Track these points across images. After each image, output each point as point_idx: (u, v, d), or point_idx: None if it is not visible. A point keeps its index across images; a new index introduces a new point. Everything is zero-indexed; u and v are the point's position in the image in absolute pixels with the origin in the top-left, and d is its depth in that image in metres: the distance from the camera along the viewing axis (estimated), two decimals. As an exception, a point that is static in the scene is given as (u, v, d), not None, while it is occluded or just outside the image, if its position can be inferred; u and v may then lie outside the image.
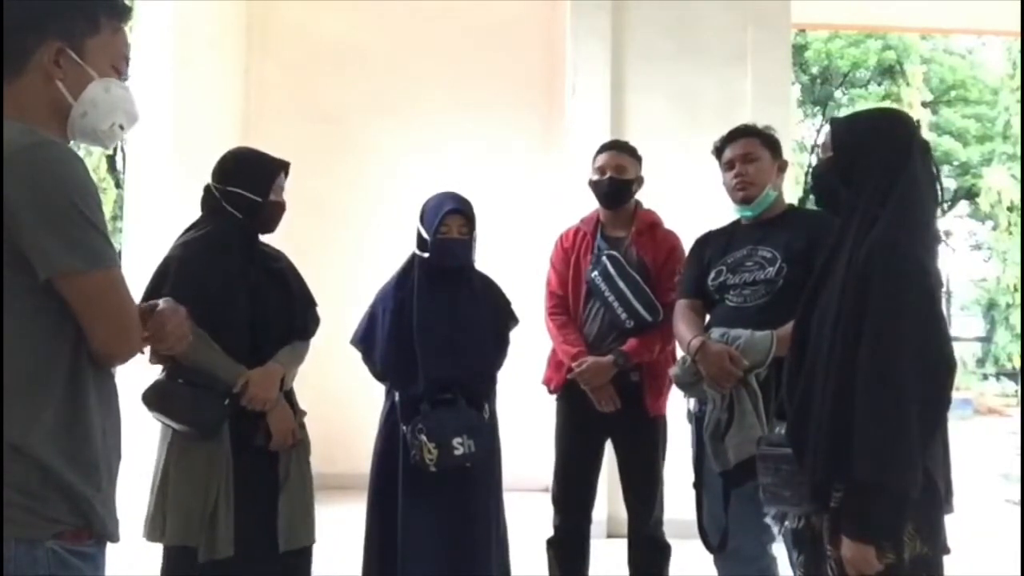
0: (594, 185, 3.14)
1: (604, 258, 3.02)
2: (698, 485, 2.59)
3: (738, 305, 2.52)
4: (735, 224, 2.70)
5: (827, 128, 2.03)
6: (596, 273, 3.01)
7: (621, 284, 2.97)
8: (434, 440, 2.56)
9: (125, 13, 1.52)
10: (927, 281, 1.76)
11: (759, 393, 2.37)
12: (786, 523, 1.96)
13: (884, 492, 1.68)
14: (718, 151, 2.69)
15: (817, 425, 1.79)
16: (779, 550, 2.51)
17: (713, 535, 2.54)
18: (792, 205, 2.78)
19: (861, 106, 17.85)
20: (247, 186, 2.45)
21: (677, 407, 3.03)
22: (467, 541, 2.68)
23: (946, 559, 1.83)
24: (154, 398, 2.29)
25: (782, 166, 2.69)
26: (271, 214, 2.51)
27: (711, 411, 2.47)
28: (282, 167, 2.54)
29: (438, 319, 2.71)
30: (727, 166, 2.65)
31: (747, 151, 2.61)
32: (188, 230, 2.49)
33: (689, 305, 2.68)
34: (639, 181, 3.15)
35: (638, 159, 3.17)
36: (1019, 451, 8.03)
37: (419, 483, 2.62)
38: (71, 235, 1.31)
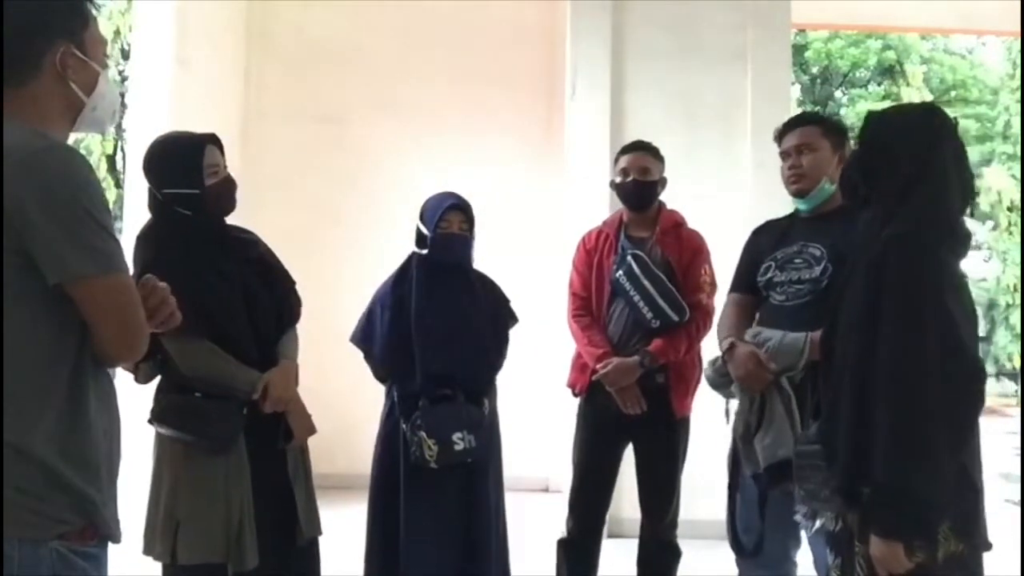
0: (618, 187, 3.12)
1: (629, 257, 2.99)
2: (732, 487, 2.53)
3: (780, 304, 2.44)
4: (793, 215, 2.61)
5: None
6: (621, 272, 2.99)
7: (647, 283, 2.94)
8: (434, 436, 2.56)
9: None
10: (943, 278, 1.73)
11: (792, 395, 2.30)
12: (818, 522, 1.94)
13: (908, 494, 1.66)
14: (779, 137, 2.58)
15: (844, 426, 1.78)
16: (801, 557, 2.48)
17: (749, 539, 2.48)
18: None
19: (861, 106, 17.87)
20: (179, 182, 2.25)
21: (702, 408, 3.02)
22: (469, 538, 2.67)
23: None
24: (172, 415, 2.20)
25: (842, 157, 2.51)
26: (218, 197, 2.30)
27: (739, 413, 2.42)
28: (205, 142, 2.30)
29: (436, 315, 2.70)
30: (783, 155, 2.55)
31: (803, 141, 2.49)
32: (146, 238, 2.30)
33: (737, 301, 2.60)
34: (663, 182, 3.13)
35: (661, 159, 3.13)
36: (1019, 451, 8.03)
37: (421, 480, 2.62)
38: (83, 239, 1.31)
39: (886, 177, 1.85)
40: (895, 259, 1.74)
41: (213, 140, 2.34)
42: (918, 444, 1.66)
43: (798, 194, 2.52)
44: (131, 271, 2.15)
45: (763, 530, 2.41)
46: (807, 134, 2.51)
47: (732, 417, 2.53)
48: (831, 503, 1.86)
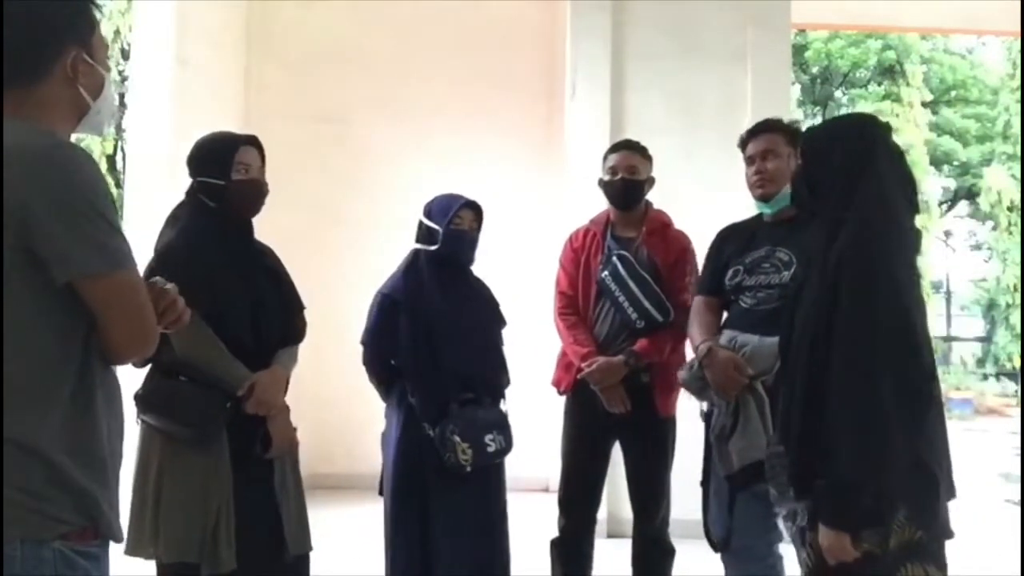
0: (606, 185, 3.13)
1: (614, 258, 3.01)
2: (705, 484, 2.58)
3: (750, 307, 2.48)
4: (758, 219, 2.65)
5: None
6: (607, 273, 3.00)
7: (632, 284, 2.96)
8: (468, 440, 2.57)
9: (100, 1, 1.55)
10: (894, 282, 1.80)
11: (766, 399, 2.34)
12: (797, 521, 1.97)
13: (859, 487, 1.73)
14: (743, 143, 2.64)
15: (796, 419, 1.86)
16: (785, 549, 2.50)
17: (717, 534, 2.53)
18: None
19: (861, 106, 17.89)
20: (209, 171, 2.36)
21: (685, 407, 3.03)
22: (493, 537, 2.69)
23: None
24: (155, 398, 2.18)
25: None
26: (241, 195, 2.37)
27: (717, 416, 2.45)
28: (241, 142, 2.40)
29: (453, 314, 2.69)
30: (748, 161, 2.60)
31: (768, 147, 2.56)
32: (173, 218, 2.39)
33: (706, 303, 2.63)
34: (650, 181, 3.14)
35: (649, 159, 3.15)
36: (1019, 451, 8.03)
37: (448, 486, 2.61)
38: (92, 237, 1.32)
39: (827, 187, 1.93)
40: (849, 262, 1.81)
41: (251, 142, 2.43)
42: (871, 438, 1.72)
43: (763, 198, 2.57)
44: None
45: (732, 527, 2.46)
46: (771, 141, 2.57)
47: (706, 416, 2.58)
48: (797, 501, 1.92)
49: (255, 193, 2.41)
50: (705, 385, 2.47)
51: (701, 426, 2.63)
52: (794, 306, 1.97)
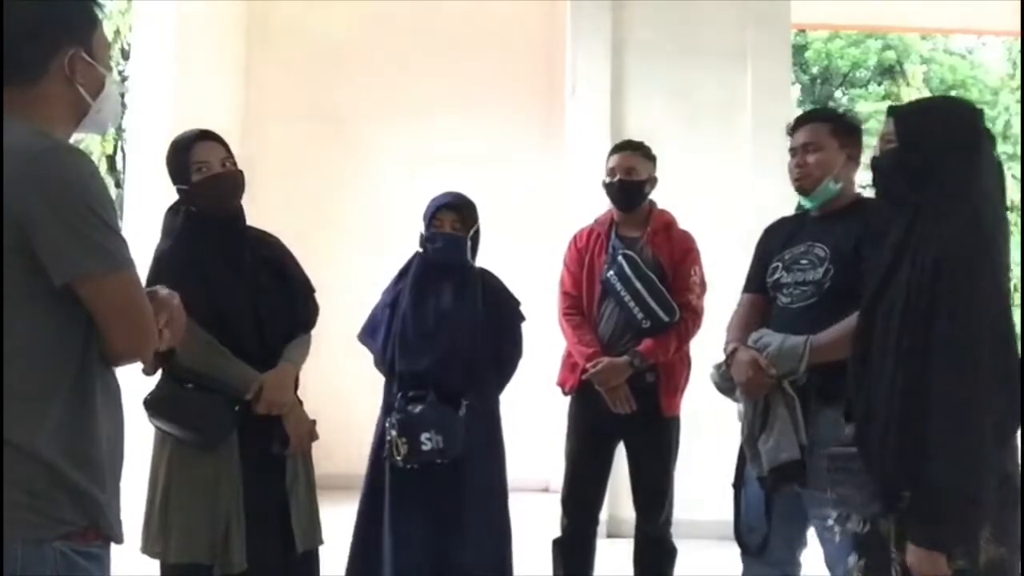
0: (606, 187, 3.14)
1: (620, 258, 3.01)
2: (737, 485, 2.53)
3: (786, 305, 2.42)
4: (804, 214, 2.58)
5: (889, 118, 1.94)
6: (612, 273, 3.00)
7: (637, 284, 2.96)
8: (404, 436, 2.56)
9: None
10: (997, 283, 1.74)
11: (796, 399, 2.29)
12: (848, 525, 1.94)
13: (958, 498, 1.66)
14: (790, 133, 2.55)
15: (885, 428, 1.77)
16: (805, 557, 2.47)
17: (748, 537, 2.47)
18: (861, 196, 2.54)
19: (861, 106, 17.87)
20: (175, 178, 2.34)
21: (698, 409, 3.02)
22: (450, 541, 2.66)
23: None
24: (161, 404, 2.20)
25: (852, 155, 2.45)
26: (205, 195, 2.31)
27: (745, 417, 2.42)
28: (194, 140, 2.35)
29: (419, 315, 2.72)
30: (791, 152, 2.52)
31: (809, 139, 2.46)
32: (162, 232, 2.39)
33: (750, 301, 2.56)
34: (652, 182, 3.14)
35: (651, 159, 3.14)
36: (1019, 451, 8.02)
37: (404, 483, 2.63)
38: (90, 238, 1.32)
39: (932, 179, 1.81)
40: (952, 266, 1.72)
41: (205, 136, 2.37)
42: (976, 448, 1.66)
43: (800, 192, 2.50)
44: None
45: (768, 530, 2.40)
46: (814, 132, 2.48)
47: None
48: (867, 507, 1.86)
49: (219, 189, 2.33)
50: (733, 386, 2.44)
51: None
52: (876, 300, 1.85)
